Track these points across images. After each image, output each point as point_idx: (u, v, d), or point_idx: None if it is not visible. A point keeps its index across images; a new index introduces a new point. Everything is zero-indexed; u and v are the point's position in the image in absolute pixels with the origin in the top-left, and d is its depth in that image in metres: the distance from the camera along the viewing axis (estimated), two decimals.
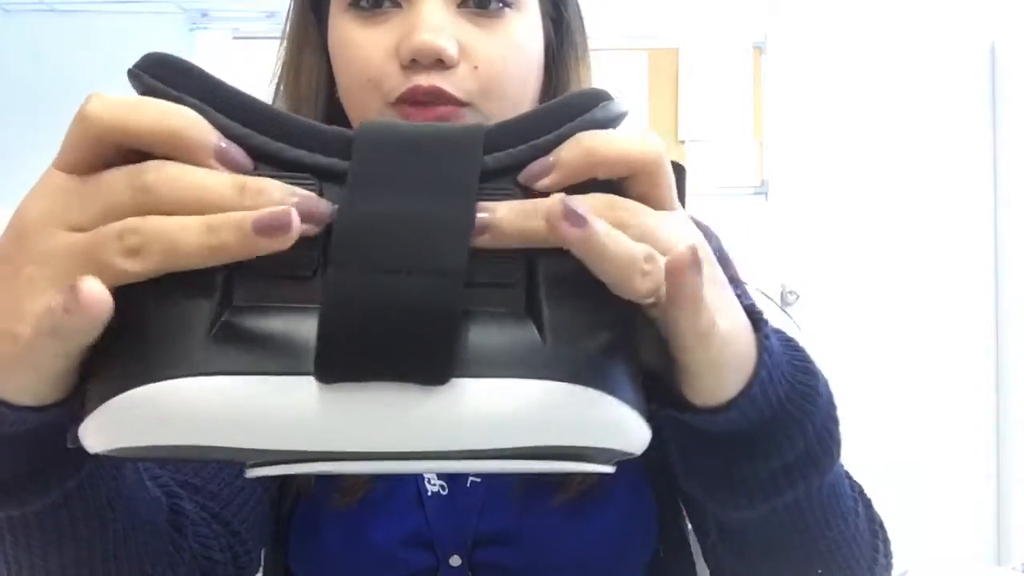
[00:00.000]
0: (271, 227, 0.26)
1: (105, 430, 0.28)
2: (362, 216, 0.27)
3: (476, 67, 0.53)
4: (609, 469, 0.31)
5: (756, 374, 0.35)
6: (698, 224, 0.66)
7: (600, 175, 0.30)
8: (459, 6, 0.54)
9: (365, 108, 0.55)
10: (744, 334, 0.34)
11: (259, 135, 0.29)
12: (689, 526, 0.63)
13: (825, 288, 2.52)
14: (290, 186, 0.28)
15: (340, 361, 0.27)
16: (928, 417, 2.52)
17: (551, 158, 0.30)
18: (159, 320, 0.28)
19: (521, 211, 0.28)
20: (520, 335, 0.29)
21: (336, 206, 0.28)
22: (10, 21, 2.59)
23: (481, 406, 0.28)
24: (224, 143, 0.29)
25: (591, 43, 0.64)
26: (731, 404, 0.34)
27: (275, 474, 0.29)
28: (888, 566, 0.49)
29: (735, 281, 0.63)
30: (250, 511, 0.58)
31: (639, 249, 0.28)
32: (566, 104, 0.31)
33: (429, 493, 0.60)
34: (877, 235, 2.54)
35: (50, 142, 0.33)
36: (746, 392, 0.34)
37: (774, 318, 0.38)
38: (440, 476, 0.60)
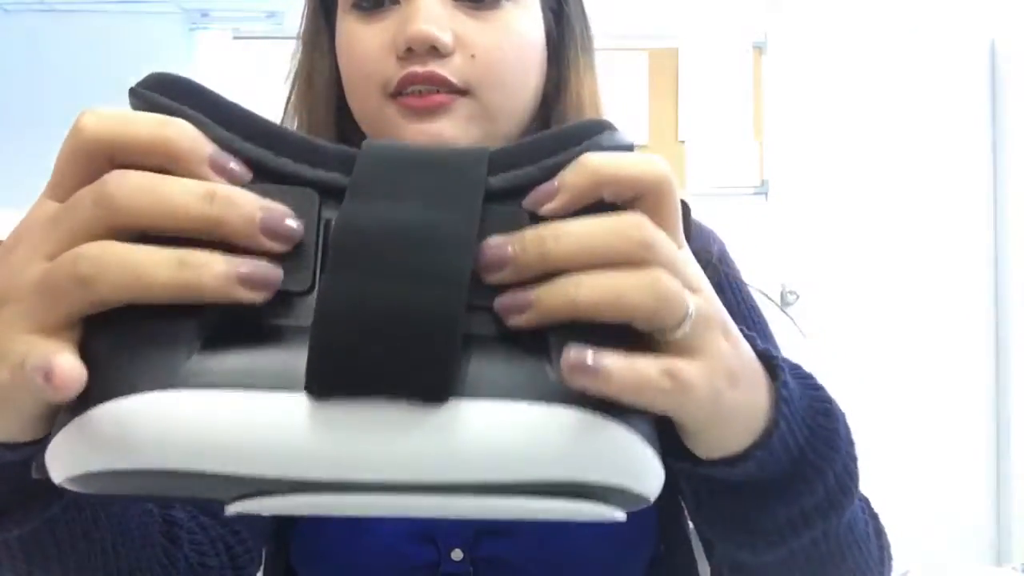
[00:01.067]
0: (258, 282, 0.25)
1: (72, 452, 0.25)
2: (360, 225, 0.26)
3: (473, 56, 0.54)
4: (621, 515, 0.27)
5: (775, 424, 0.33)
6: (700, 228, 0.66)
7: (606, 196, 0.29)
8: (456, 0, 0.55)
9: (366, 102, 0.56)
10: (749, 387, 0.32)
11: (261, 149, 0.29)
12: (691, 526, 0.63)
13: (825, 288, 2.52)
14: (261, 199, 0.27)
15: (333, 373, 0.25)
16: (928, 417, 2.51)
17: (556, 182, 0.29)
18: (137, 332, 0.26)
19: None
20: (528, 360, 0.27)
21: (325, 220, 0.27)
22: (10, 21, 2.59)
23: (486, 430, 0.25)
24: (218, 153, 0.28)
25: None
26: (747, 455, 0.33)
27: (254, 511, 0.26)
28: (889, 568, 0.49)
29: (739, 283, 0.63)
30: None
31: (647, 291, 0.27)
32: (571, 130, 0.30)
33: None
34: (877, 235, 2.54)
35: (50, 143, 0.32)
36: (763, 443, 0.33)
37: (784, 336, 0.37)
38: None
